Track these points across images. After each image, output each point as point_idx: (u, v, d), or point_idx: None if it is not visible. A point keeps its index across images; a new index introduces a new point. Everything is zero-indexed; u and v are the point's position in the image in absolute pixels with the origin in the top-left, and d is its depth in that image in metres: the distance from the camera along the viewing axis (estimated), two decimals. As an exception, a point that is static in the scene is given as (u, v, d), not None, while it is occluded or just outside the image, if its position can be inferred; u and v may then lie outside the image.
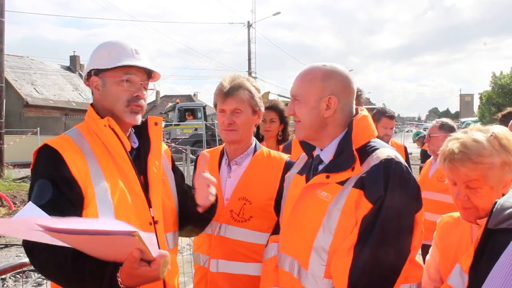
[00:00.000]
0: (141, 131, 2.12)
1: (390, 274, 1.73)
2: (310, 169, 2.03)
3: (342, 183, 1.82)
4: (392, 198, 1.72)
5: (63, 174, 1.82)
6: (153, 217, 1.96)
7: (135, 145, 2.10)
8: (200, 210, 2.08)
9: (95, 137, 1.98)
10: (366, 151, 1.86)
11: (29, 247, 1.75)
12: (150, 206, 1.97)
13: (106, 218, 1.80)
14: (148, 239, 1.51)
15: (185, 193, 2.24)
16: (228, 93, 2.45)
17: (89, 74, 2.07)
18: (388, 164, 1.77)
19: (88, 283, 1.66)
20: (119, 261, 1.60)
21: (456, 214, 2.05)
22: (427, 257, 2.15)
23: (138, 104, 2.02)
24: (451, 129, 4.64)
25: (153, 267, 1.57)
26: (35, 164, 1.91)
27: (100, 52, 2.04)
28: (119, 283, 1.60)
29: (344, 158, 1.85)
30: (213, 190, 2.07)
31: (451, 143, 1.86)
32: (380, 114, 5.61)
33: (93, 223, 1.57)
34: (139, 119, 2.05)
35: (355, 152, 1.83)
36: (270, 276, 2.10)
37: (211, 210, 2.15)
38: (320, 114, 1.91)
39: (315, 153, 2.04)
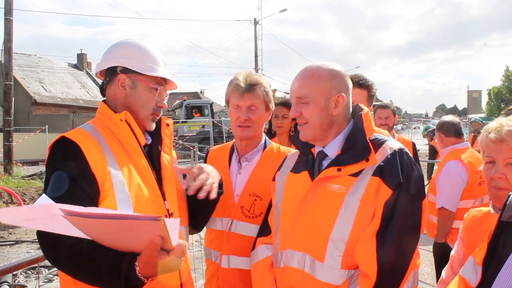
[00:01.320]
0: (154, 130, 2.15)
1: (407, 258, 1.83)
2: (312, 166, 2.05)
3: (355, 174, 1.89)
4: (408, 185, 1.84)
5: (81, 167, 1.83)
6: (168, 210, 1.99)
7: (148, 141, 2.14)
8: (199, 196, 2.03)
9: (109, 132, 2.00)
10: (375, 143, 1.96)
11: (44, 240, 1.75)
12: (164, 199, 2.00)
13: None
14: (172, 226, 1.50)
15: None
16: (246, 90, 2.47)
17: (110, 69, 2.07)
18: (401, 153, 1.91)
19: (104, 274, 1.65)
20: (136, 250, 1.59)
21: (485, 209, 2.05)
22: (452, 252, 2.15)
23: (159, 114, 2.12)
24: (441, 127, 4.46)
25: (171, 257, 1.56)
26: (51, 156, 1.90)
27: (130, 52, 2.06)
28: (137, 272, 1.59)
29: (357, 150, 1.92)
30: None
31: (497, 120, 1.94)
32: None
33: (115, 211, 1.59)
34: (153, 127, 2.13)
35: (370, 145, 1.92)
36: (266, 277, 2.10)
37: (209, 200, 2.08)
38: (329, 113, 1.97)
39: (315, 150, 2.08)
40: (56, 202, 1.58)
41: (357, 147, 1.93)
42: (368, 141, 1.94)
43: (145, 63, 2.04)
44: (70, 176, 1.80)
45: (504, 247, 1.51)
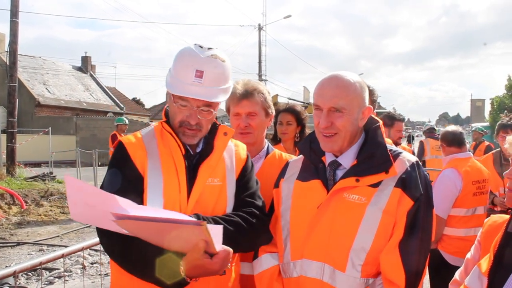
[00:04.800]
0: (210, 137, 2.19)
1: (425, 264, 1.93)
2: (324, 175, 2.05)
3: (374, 185, 1.92)
4: (426, 196, 1.92)
5: (127, 163, 2.03)
6: None
7: (199, 149, 2.17)
8: None
9: (164, 137, 2.12)
10: (391, 154, 1.98)
11: (101, 232, 1.93)
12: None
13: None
14: (215, 231, 1.61)
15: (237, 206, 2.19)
16: (243, 96, 2.51)
17: None
18: (418, 166, 1.98)
19: (150, 269, 1.75)
20: (182, 251, 1.69)
21: (507, 216, 2.06)
22: (468, 255, 2.17)
23: (189, 128, 2.07)
24: (444, 136, 4.64)
25: (214, 261, 1.67)
26: (111, 156, 2.17)
27: (174, 63, 2.08)
28: (181, 271, 1.69)
29: (377, 162, 1.95)
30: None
31: None
32: (392, 119, 5.61)
33: (165, 214, 1.70)
34: (195, 140, 2.11)
35: (391, 157, 1.96)
36: (275, 287, 2.10)
37: None
38: (357, 124, 2.01)
39: (326, 158, 2.08)
40: None
41: (377, 158, 1.95)
42: (389, 153, 1.97)
43: (174, 77, 2.05)
44: (121, 172, 2.01)
45: (511, 259, 1.53)
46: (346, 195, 1.94)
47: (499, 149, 4.86)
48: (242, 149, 2.32)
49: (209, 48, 2.04)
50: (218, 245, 1.67)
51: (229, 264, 1.81)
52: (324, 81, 2.01)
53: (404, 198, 1.88)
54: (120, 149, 2.08)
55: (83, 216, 1.92)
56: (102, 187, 1.99)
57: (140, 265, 1.81)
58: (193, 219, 1.71)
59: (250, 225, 2.07)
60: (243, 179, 2.25)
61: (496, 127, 5.40)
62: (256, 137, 2.56)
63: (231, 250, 1.71)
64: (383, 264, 1.86)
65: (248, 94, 2.52)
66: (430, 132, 10.29)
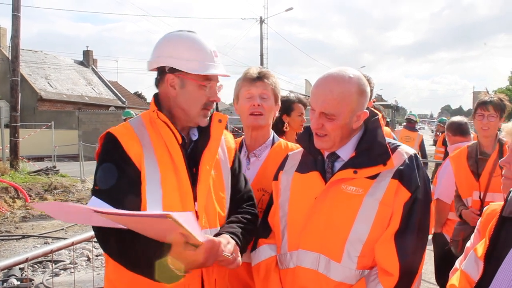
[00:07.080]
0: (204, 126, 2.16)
1: (420, 256, 1.91)
2: (322, 166, 2.07)
3: (372, 177, 1.92)
4: (423, 188, 1.93)
5: (121, 156, 1.93)
6: (196, 212, 1.98)
7: (194, 138, 2.15)
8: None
9: (155, 127, 2.05)
10: (389, 147, 1.99)
11: (96, 228, 1.88)
12: (195, 200, 1.99)
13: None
14: (185, 219, 1.53)
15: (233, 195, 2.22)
16: (258, 78, 2.57)
17: (160, 69, 2.09)
18: (416, 158, 1.99)
19: (142, 262, 1.74)
20: (169, 242, 1.64)
21: None
22: (467, 243, 2.19)
23: (211, 107, 2.10)
24: (449, 126, 4.81)
25: (197, 252, 1.61)
26: (99, 149, 2.03)
27: (177, 50, 2.03)
28: (169, 265, 1.64)
29: (375, 154, 1.95)
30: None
31: None
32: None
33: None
34: (207, 122, 2.13)
35: (389, 150, 1.96)
36: (271, 277, 2.10)
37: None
38: (350, 126, 2.00)
39: (325, 151, 2.08)
40: (108, 193, 1.83)
41: (375, 150, 1.96)
42: (387, 146, 1.98)
43: (192, 61, 2.01)
44: (116, 166, 1.91)
45: (506, 242, 1.56)
46: (344, 187, 1.94)
47: (475, 141, 4.01)
48: (231, 137, 2.34)
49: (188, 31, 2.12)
50: (200, 236, 1.61)
51: (230, 254, 1.80)
52: (320, 81, 1.99)
53: (401, 189, 1.89)
54: (111, 141, 1.96)
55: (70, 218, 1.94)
56: (95, 184, 1.96)
57: (134, 260, 1.78)
58: (160, 212, 1.67)
59: (256, 224, 2.21)
60: (236, 169, 2.28)
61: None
62: (266, 120, 2.59)
63: (218, 240, 1.67)
64: (377, 254, 1.87)
65: (262, 76, 2.58)
66: (408, 122, 10.89)
